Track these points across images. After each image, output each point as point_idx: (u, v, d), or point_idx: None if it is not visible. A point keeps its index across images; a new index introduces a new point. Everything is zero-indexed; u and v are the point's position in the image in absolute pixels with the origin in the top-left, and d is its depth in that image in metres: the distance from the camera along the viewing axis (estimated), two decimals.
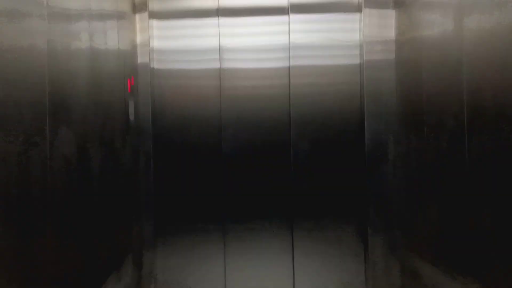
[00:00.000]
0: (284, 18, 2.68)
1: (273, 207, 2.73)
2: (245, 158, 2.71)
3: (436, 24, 2.03)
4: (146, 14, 2.65)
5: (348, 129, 2.68)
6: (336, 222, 2.73)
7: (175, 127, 2.71)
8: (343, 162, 2.68)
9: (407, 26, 2.39)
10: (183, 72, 2.69)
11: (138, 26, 2.63)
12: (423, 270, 2.28)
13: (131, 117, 2.53)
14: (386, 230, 2.64)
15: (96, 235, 1.93)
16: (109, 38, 2.12)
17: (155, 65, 2.68)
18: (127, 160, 2.42)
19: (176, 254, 2.76)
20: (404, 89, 2.46)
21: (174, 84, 2.70)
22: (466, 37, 1.76)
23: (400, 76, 2.50)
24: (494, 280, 1.65)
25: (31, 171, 1.33)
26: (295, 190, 2.70)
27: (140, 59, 2.63)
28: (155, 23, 2.69)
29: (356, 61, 2.64)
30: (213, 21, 2.69)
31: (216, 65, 2.68)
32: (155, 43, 2.68)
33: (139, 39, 2.63)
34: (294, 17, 2.67)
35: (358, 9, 2.64)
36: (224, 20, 2.69)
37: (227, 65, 2.68)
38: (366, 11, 2.60)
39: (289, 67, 2.66)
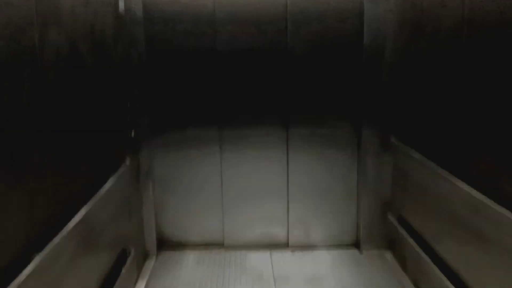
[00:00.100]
0: None
1: (269, 105, 2.80)
2: (240, 56, 2.73)
3: None
4: None
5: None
6: (332, 121, 2.82)
7: (168, 15, 2.67)
8: (340, 62, 2.74)
9: None
10: None
11: None
12: (413, 166, 2.37)
13: (121, 10, 2.44)
14: (379, 130, 2.74)
15: (93, 136, 1.92)
16: None
17: None
18: (119, 57, 2.38)
19: (173, 153, 2.82)
20: None
21: None
22: None
23: None
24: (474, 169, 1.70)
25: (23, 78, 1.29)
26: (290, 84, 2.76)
27: None
28: None
29: None
30: None
31: None
32: None
33: None
34: None
35: None
36: None
37: None
38: None
39: None
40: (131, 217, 2.45)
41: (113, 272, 2.11)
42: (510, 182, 1.51)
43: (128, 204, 2.40)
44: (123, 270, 2.20)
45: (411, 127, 2.45)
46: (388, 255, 2.79)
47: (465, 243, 1.84)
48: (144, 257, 2.79)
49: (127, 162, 2.39)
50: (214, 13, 2.67)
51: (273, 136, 2.83)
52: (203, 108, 2.78)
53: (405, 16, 2.45)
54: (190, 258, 2.82)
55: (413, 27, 2.34)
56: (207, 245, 2.95)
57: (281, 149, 2.84)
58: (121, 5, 2.41)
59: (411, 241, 2.41)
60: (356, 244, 2.94)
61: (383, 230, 2.83)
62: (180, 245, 2.95)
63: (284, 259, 2.79)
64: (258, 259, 2.80)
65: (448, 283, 1.93)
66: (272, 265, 2.71)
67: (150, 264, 2.74)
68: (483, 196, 1.66)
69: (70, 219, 1.56)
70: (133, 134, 2.60)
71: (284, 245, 2.96)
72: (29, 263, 1.23)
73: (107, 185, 1.98)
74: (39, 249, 1.32)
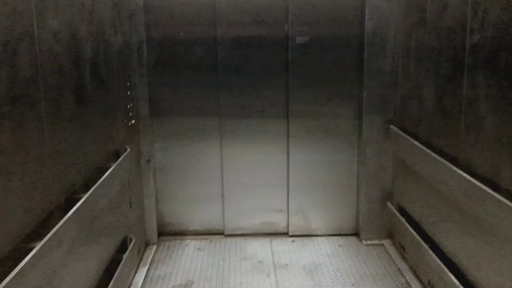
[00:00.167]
0: None
1: (269, 96, 2.82)
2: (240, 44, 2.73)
3: None
4: None
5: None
6: (333, 109, 2.82)
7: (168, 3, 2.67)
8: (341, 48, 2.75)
9: None
10: None
11: None
12: (413, 155, 2.36)
13: None
14: (380, 118, 2.76)
15: (93, 124, 1.92)
16: None
17: None
18: (119, 45, 2.38)
19: (173, 141, 2.84)
20: None
21: None
22: None
23: None
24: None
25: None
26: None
27: None
28: None
29: None
30: None
31: None
32: None
33: None
34: None
35: None
36: None
37: None
38: None
39: None
40: (131, 205, 2.46)
41: (114, 260, 2.13)
42: (509, 170, 1.52)
43: (128, 192, 2.41)
44: (124, 258, 2.21)
45: (412, 116, 2.45)
46: (387, 243, 2.80)
47: (463, 231, 1.86)
48: (145, 245, 2.81)
49: (128, 150, 2.40)
50: (214, 1, 2.67)
51: (274, 127, 2.85)
52: (204, 98, 2.79)
53: (409, 4, 2.43)
54: (190, 246, 2.84)
55: (417, 15, 2.32)
56: (208, 233, 2.97)
57: (282, 136, 2.87)
58: None
59: (410, 229, 2.42)
60: (355, 233, 2.96)
61: (382, 218, 2.84)
62: (180, 233, 2.97)
63: (284, 247, 2.81)
64: (258, 247, 2.82)
65: (446, 270, 1.95)
66: (272, 253, 2.73)
67: (150, 252, 2.76)
68: (482, 184, 1.66)
69: (72, 206, 1.57)
70: (133, 122, 2.60)
71: (284, 234, 2.98)
72: (31, 250, 1.24)
73: (107, 173, 1.98)
74: (41, 236, 1.33)
